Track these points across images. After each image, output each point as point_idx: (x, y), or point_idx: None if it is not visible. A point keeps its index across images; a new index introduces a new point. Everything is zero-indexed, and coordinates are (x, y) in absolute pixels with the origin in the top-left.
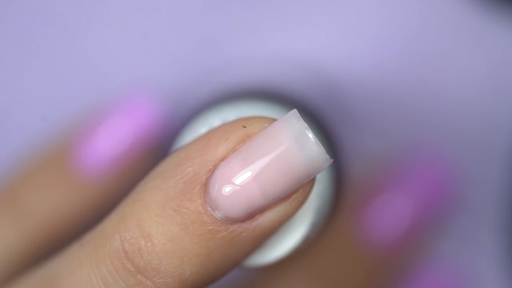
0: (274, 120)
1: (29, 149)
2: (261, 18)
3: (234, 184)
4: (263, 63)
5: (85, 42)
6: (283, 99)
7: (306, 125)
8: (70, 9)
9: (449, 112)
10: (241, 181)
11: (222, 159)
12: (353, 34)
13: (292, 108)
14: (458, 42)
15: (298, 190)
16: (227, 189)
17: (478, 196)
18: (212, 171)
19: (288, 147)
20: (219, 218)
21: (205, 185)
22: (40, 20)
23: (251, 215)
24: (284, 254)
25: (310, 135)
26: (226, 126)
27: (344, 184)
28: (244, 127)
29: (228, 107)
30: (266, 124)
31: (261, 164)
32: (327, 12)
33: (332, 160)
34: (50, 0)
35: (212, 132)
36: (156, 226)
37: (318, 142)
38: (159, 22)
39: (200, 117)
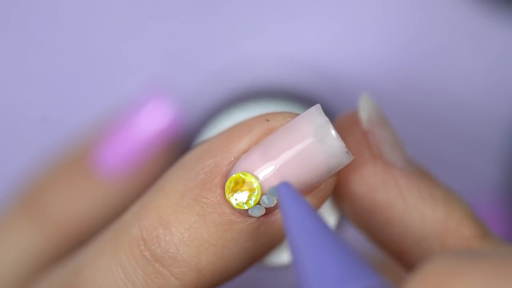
0: (297, 114)
1: (50, 153)
2: (269, 20)
3: None
4: (272, 64)
5: (101, 45)
6: (291, 98)
7: (327, 119)
8: (77, 12)
9: (449, 110)
10: (261, 173)
11: (244, 152)
12: (357, 35)
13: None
14: (458, 41)
15: (319, 186)
16: None
17: (477, 192)
18: (233, 163)
19: (308, 141)
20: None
21: (226, 176)
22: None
23: (270, 209)
24: None
25: (332, 129)
26: (250, 120)
27: None
28: (267, 120)
29: (241, 108)
30: (289, 119)
31: (281, 156)
32: (332, 14)
33: (354, 157)
34: (57, 1)
35: (236, 126)
36: (175, 215)
37: (339, 137)
38: (171, 26)
39: (215, 119)
